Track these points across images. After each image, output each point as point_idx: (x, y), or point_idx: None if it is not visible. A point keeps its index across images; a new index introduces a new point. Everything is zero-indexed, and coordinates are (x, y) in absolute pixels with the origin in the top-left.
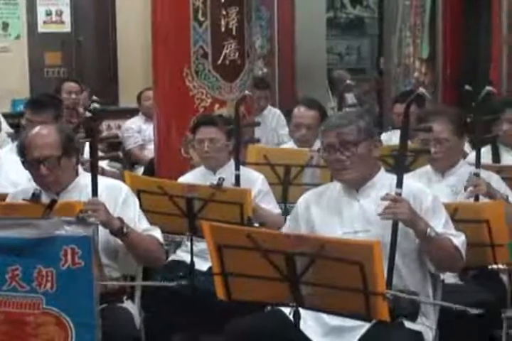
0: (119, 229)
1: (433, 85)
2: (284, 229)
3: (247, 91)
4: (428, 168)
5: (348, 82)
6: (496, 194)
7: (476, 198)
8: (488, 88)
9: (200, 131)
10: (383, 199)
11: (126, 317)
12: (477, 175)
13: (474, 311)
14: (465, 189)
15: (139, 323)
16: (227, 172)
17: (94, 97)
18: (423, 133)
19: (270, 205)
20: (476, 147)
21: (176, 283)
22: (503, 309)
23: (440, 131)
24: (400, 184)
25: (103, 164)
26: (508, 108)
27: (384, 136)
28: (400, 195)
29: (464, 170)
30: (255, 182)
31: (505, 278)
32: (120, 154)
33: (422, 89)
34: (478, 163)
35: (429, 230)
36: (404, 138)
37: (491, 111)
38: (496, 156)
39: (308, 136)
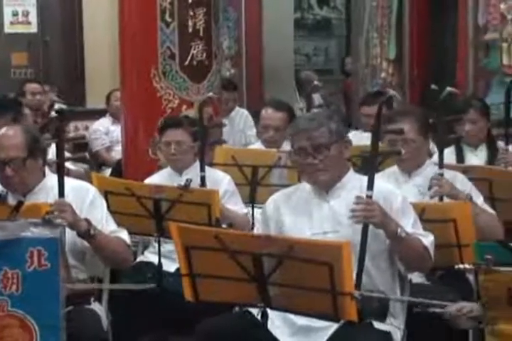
0: (86, 231)
1: (400, 86)
2: (256, 231)
3: (211, 93)
4: (395, 168)
5: (316, 83)
6: (458, 194)
7: (441, 198)
8: (450, 88)
9: (166, 134)
10: (355, 203)
11: (93, 319)
12: (441, 175)
13: (451, 307)
14: (429, 189)
15: (107, 325)
16: (193, 173)
17: (55, 98)
18: (391, 134)
19: (237, 206)
20: (439, 147)
21: (144, 286)
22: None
23: (407, 131)
24: (370, 186)
25: (68, 164)
26: (471, 108)
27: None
28: (370, 197)
29: (430, 170)
30: (221, 182)
31: (471, 277)
32: (87, 155)
33: (393, 91)
34: (441, 164)
35: (399, 231)
36: (375, 140)
37: (454, 112)
38: (460, 156)
39: (276, 138)
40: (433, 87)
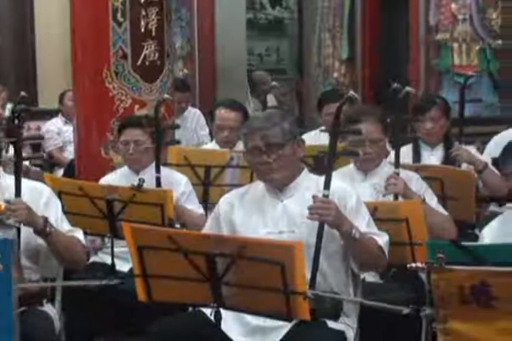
0: (43, 228)
1: (353, 86)
2: (205, 230)
3: (166, 95)
4: (351, 167)
5: (274, 83)
6: (412, 194)
7: (396, 197)
8: (408, 88)
9: (125, 133)
10: (312, 202)
11: (44, 321)
12: (397, 174)
13: (406, 311)
14: (385, 188)
15: (59, 327)
16: (150, 173)
17: (23, 93)
18: (352, 135)
19: (193, 206)
20: (396, 147)
21: (100, 282)
22: (422, 307)
23: (372, 131)
24: (327, 186)
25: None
26: (434, 106)
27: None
28: (327, 196)
29: (386, 169)
30: (179, 184)
31: (424, 276)
32: (44, 154)
33: (352, 92)
34: (397, 163)
35: (354, 231)
36: (333, 140)
37: (416, 110)
38: (417, 156)
39: (231, 138)
40: (395, 85)
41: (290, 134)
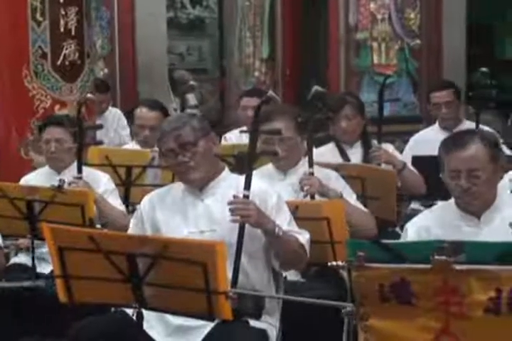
0: None
1: (274, 85)
2: (130, 231)
3: (89, 95)
4: (270, 166)
5: (192, 82)
6: (328, 192)
7: (312, 197)
8: (317, 87)
9: (47, 131)
10: (231, 203)
11: None
12: (311, 174)
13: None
14: (301, 188)
15: None
16: (71, 173)
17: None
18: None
19: (116, 203)
20: (308, 146)
21: (19, 284)
22: (343, 305)
23: (283, 130)
24: (248, 186)
25: None
26: (346, 105)
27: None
28: (247, 197)
29: (305, 168)
30: (100, 181)
31: (345, 274)
32: None
33: (271, 92)
34: (311, 162)
35: (277, 230)
36: (253, 140)
37: (329, 109)
38: (344, 154)
39: (151, 137)
40: (316, 88)
41: (201, 131)
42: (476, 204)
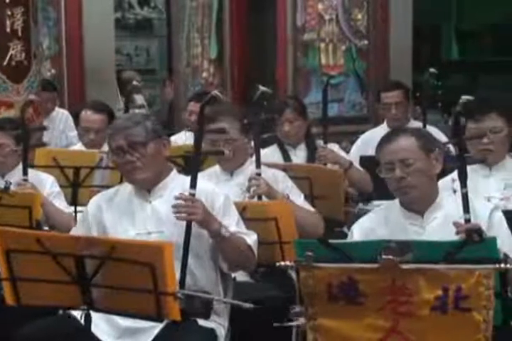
0: None
1: (222, 85)
2: (74, 232)
3: (32, 96)
4: (217, 167)
5: (135, 83)
6: (276, 194)
7: (259, 198)
8: (262, 88)
9: None
10: (176, 199)
11: None
12: (258, 174)
13: (246, 305)
14: (247, 189)
15: None
16: (16, 176)
17: None
18: (212, 134)
19: (61, 205)
20: (255, 147)
21: None
22: (291, 305)
23: (228, 130)
24: (193, 185)
25: None
26: (287, 108)
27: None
28: (193, 195)
29: (251, 169)
30: (45, 184)
31: (294, 274)
32: None
33: (215, 91)
34: (258, 163)
35: (223, 230)
36: (198, 140)
37: (272, 111)
38: (286, 154)
39: (97, 140)
40: (262, 89)
41: (153, 133)
42: (413, 196)
